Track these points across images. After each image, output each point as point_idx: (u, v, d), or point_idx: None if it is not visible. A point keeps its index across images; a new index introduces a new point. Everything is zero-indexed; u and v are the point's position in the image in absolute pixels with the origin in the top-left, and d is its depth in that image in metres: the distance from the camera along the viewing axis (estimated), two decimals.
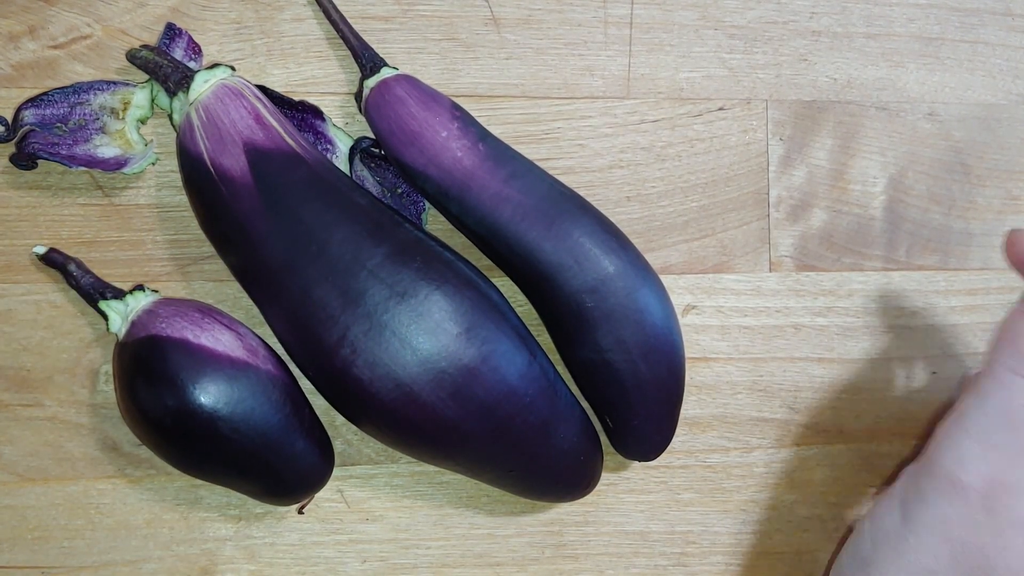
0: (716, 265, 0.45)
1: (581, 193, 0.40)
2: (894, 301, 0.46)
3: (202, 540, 0.40)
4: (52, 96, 0.38)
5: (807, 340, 0.45)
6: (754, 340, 0.45)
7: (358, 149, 0.41)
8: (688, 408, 0.44)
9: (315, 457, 0.38)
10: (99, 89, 0.39)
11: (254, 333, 0.38)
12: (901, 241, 0.46)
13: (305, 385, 0.40)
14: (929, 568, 0.34)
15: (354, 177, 0.41)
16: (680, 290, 0.44)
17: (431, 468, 0.42)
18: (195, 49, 0.40)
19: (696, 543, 0.44)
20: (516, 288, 0.41)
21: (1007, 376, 0.34)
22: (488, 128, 0.40)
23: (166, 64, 0.38)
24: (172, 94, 0.37)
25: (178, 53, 0.40)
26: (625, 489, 0.44)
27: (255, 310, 0.40)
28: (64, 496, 0.40)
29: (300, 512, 0.41)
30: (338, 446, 0.41)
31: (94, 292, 0.38)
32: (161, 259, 0.40)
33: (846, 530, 0.45)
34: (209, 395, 0.35)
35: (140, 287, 0.38)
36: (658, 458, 0.42)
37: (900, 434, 0.46)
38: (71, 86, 0.39)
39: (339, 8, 0.41)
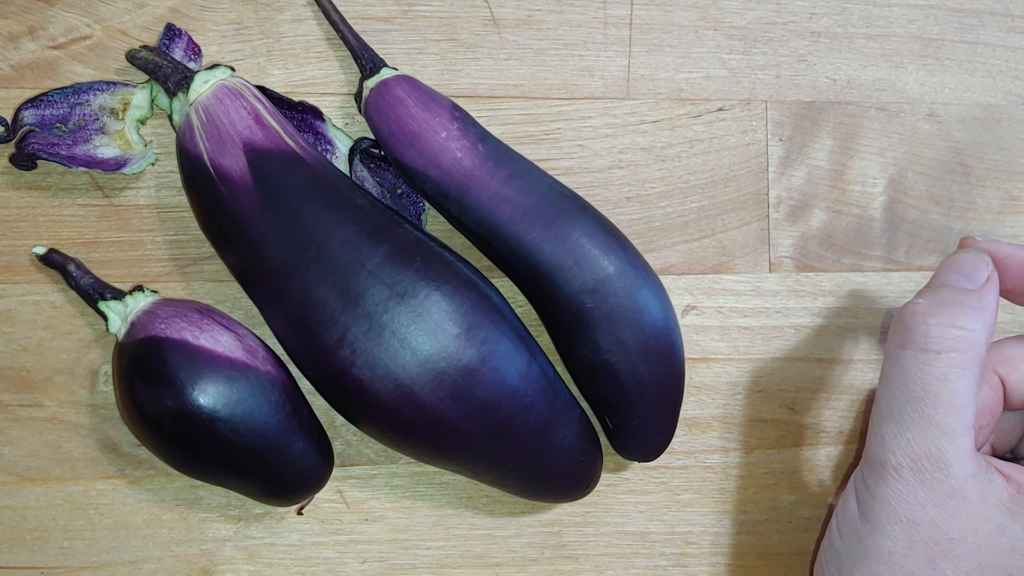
0: (716, 266, 0.45)
1: (581, 194, 0.40)
2: (894, 301, 0.46)
3: (201, 541, 0.40)
4: (52, 96, 0.38)
5: (807, 340, 0.45)
6: (754, 340, 0.45)
7: (358, 150, 0.41)
8: (688, 408, 0.44)
9: (314, 458, 0.38)
10: (99, 89, 0.39)
11: (253, 334, 0.38)
12: (901, 242, 0.46)
13: (305, 385, 0.40)
14: (888, 550, 0.35)
15: (354, 178, 0.41)
16: (680, 291, 0.44)
17: (431, 469, 0.42)
18: (195, 50, 0.40)
19: (696, 544, 0.44)
20: (516, 289, 0.41)
21: (899, 352, 0.35)
22: (488, 129, 0.40)
23: (166, 65, 0.38)
24: (172, 95, 0.37)
25: (178, 54, 0.40)
26: (625, 490, 0.44)
27: (255, 311, 0.40)
28: (64, 497, 0.40)
29: (299, 513, 0.41)
30: (337, 447, 0.41)
31: (93, 293, 0.38)
32: (161, 260, 0.40)
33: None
34: (208, 396, 0.35)
35: (139, 288, 0.38)
36: (658, 459, 0.42)
37: None
38: (71, 86, 0.39)
39: (339, 8, 0.41)
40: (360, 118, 0.42)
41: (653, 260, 0.44)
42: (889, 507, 0.35)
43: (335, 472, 0.40)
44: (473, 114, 0.41)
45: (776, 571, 0.45)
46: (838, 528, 0.38)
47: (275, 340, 0.39)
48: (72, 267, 0.38)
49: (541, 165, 0.42)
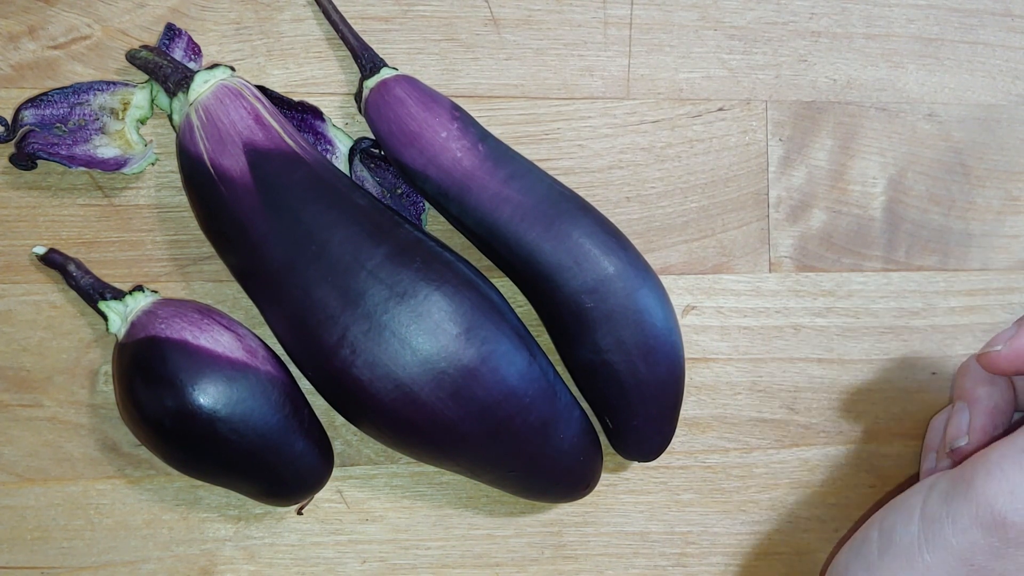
0: (716, 266, 0.45)
1: (581, 193, 0.40)
2: (894, 302, 0.46)
3: (201, 540, 0.40)
4: (52, 96, 0.38)
5: (807, 341, 0.45)
6: (754, 341, 0.45)
7: (358, 149, 0.41)
8: (687, 409, 0.44)
9: (314, 458, 0.38)
10: (99, 89, 0.39)
11: (253, 334, 0.38)
12: (901, 242, 0.46)
13: (305, 385, 0.40)
14: None
15: (354, 178, 0.41)
16: (680, 290, 0.44)
17: (431, 469, 0.42)
18: (195, 49, 0.40)
19: (696, 544, 0.44)
20: (516, 289, 0.41)
21: None
22: (488, 128, 0.40)
23: (166, 64, 0.38)
24: (172, 94, 0.37)
25: (178, 53, 0.40)
26: (625, 490, 0.44)
27: (255, 311, 0.40)
28: (63, 496, 0.40)
29: (299, 513, 0.41)
30: (337, 447, 0.41)
31: (93, 292, 0.38)
32: (161, 259, 0.40)
33: (847, 531, 0.45)
34: (208, 396, 0.35)
35: (139, 287, 0.38)
36: (657, 459, 0.42)
37: (900, 435, 0.46)
38: (71, 86, 0.39)
39: (339, 8, 0.41)
40: (360, 118, 0.42)
41: (653, 260, 0.44)
42: (970, 552, 0.32)
43: (335, 472, 0.40)
44: (473, 114, 0.41)
45: (775, 571, 0.45)
46: (879, 542, 0.35)
47: (275, 340, 0.39)
48: (72, 267, 0.38)
49: (541, 165, 0.42)
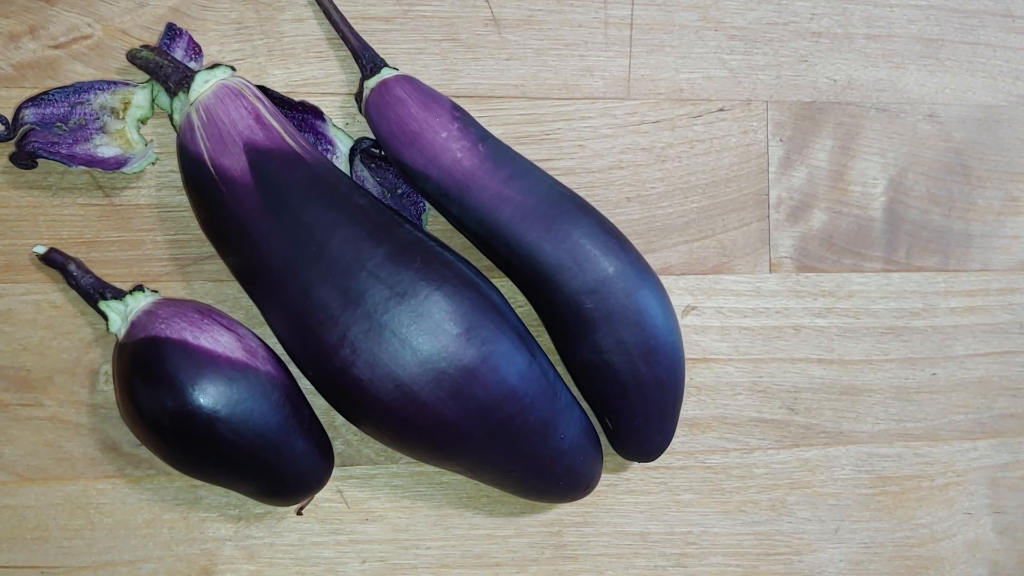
0: (716, 266, 0.45)
1: (581, 194, 0.40)
2: (894, 302, 0.46)
3: (202, 540, 0.40)
4: (52, 95, 0.38)
5: (807, 341, 0.45)
6: (754, 341, 0.45)
7: (358, 149, 0.41)
8: (688, 409, 0.44)
9: (314, 458, 0.38)
10: (99, 89, 0.39)
11: (254, 334, 0.38)
12: (901, 242, 0.46)
13: (305, 385, 0.40)
14: None
15: (354, 177, 0.41)
16: (680, 291, 0.44)
17: (431, 468, 0.42)
18: (195, 49, 0.40)
19: (696, 544, 0.44)
20: (516, 289, 0.41)
21: None
22: (488, 129, 0.40)
23: (166, 64, 0.38)
24: (172, 94, 0.37)
25: (178, 53, 0.40)
26: (625, 490, 0.44)
27: (255, 310, 0.40)
28: (63, 496, 0.40)
29: (299, 513, 0.41)
30: (338, 446, 0.41)
31: (94, 292, 0.38)
32: (161, 259, 0.40)
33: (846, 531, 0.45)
34: (208, 396, 0.35)
35: (140, 287, 0.38)
36: (658, 459, 0.42)
37: (900, 435, 0.46)
38: (71, 86, 0.39)
39: (339, 8, 0.41)
40: (360, 118, 0.42)
41: (653, 260, 0.44)
42: None
43: (335, 472, 0.40)
44: (474, 114, 0.41)
45: (775, 571, 0.45)
46: None
47: (275, 340, 0.39)
48: (73, 266, 0.38)
49: (541, 165, 0.42)
